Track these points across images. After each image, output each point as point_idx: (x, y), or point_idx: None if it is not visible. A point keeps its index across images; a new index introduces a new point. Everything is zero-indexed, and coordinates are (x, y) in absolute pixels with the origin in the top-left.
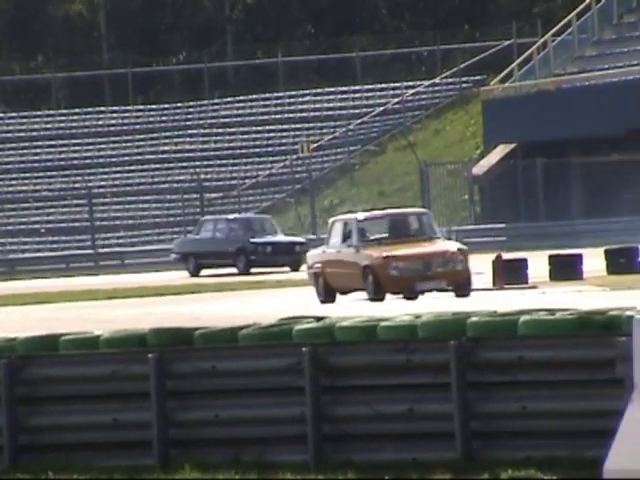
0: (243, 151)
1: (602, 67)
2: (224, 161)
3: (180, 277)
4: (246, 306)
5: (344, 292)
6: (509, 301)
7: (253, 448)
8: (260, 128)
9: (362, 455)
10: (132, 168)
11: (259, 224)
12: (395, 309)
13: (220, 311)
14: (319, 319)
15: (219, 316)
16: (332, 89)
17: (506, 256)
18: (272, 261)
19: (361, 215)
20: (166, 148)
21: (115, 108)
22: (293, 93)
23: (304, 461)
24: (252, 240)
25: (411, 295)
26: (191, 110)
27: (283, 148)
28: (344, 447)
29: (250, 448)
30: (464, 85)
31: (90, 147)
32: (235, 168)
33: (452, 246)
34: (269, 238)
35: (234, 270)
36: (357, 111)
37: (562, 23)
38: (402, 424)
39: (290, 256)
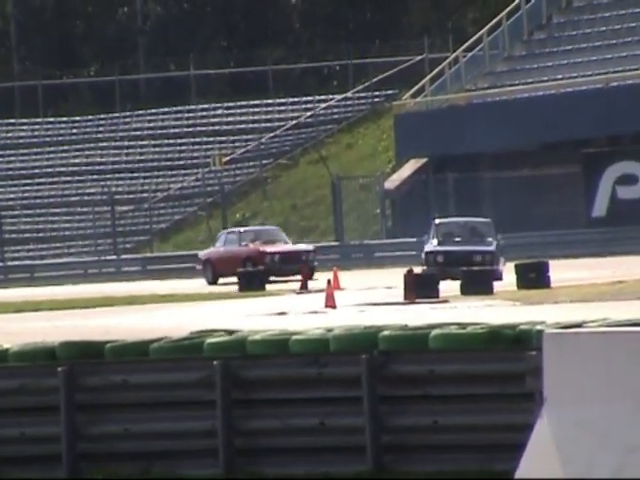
0: (155, 164)
1: (513, 83)
2: (135, 174)
3: (90, 290)
4: (157, 319)
5: None
6: (420, 315)
7: (164, 462)
8: (172, 141)
9: (273, 468)
10: (42, 180)
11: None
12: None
13: (131, 324)
14: (231, 332)
15: (130, 329)
16: (244, 102)
17: (417, 270)
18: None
19: None
20: (77, 161)
21: (25, 120)
22: (205, 106)
23: (215, 474)
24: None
25: None
26: (102, 122)
27: (195, 161)
28: (255, 460)
29: (161, 462)
30: (376, 99)
31: None
32: (147, 181)
33: None
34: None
35: None
36: (269, 124)
37: (473, 39)
38: (313, 437)
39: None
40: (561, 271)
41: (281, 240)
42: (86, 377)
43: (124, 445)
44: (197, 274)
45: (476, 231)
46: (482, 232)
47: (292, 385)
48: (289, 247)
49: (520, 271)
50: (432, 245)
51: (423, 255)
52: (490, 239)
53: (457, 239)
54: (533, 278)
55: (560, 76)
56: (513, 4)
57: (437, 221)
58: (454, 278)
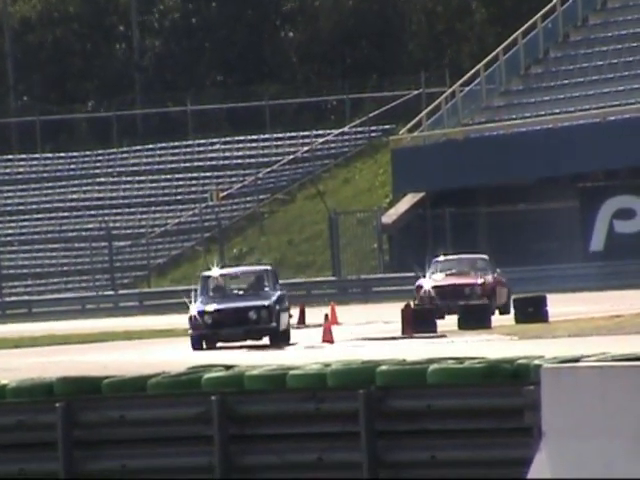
0: (152, 199)
1: (510, 117)
2: (133, 209)
3: (88, 326)
4: (154, 354)
5: None
6: (418, 350)
7: None
8: (169, 176)
9: None
10: (40, 216)
11: None
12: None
13: (128, 360)
14: (228, 367)
15: (127, 364)
16: (242, 137)
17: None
18: None
19: None
20: (74, 196)
21: (23, 156)
22: (202, 141)
23: None
24: None
25: None
26: (100, 158)
27: (192, 196)
28: None
29: None
30: (373, 134)
31: None
32: (144, 216)
33: None
34: None
35: None
36: (266, 159)
37: (470, 73)
38: (311, 473)
39: None
40: (559, 305)
41: (475, 271)
42: (84, 413)
43: None
44: None
45: (258, 282)
46: (261, 282)
47: (290, 420)
48: (456, 280)
49: (518, 305)
50: (199, 304)
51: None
52: (268, 290)
53: (231, 293)
54: (531, 312)
55: (557, 110)
56: (510, 39)
57: (206, 274)
58: (229, 340)
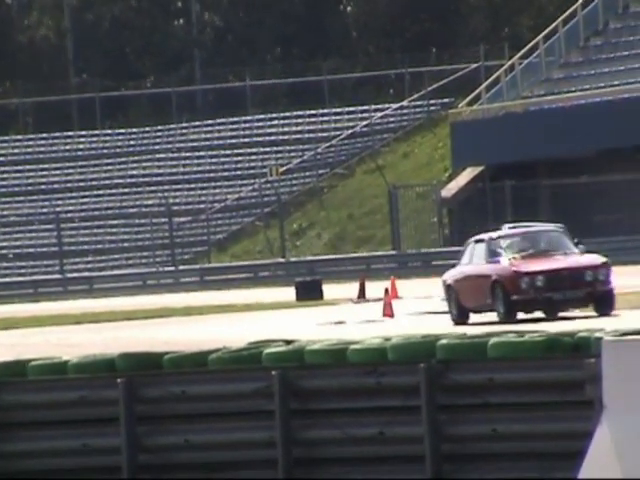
0: (212, 175)
1: (569, 89)
2: (193, 185)
3: (149, 302)
4: (215, 330)
5: None
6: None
7: (223, 472)
8: (229, 152)
9: (333, 478)
10: (100, 192)
11: None
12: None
13: (189, 335)
14: (288, 342)
15: (188, 340)
16: (301, 112)
17: None
18: None
19: None
20: (134, 172)
21: (83, 132)
22: (262, 117)
23: None
24: None
25: None
26: (159, 134)
27: (252, 172)
28: (314, 471)
29: (220, 472)
30: (432, 108)
31: (58, 172)
32: (204, 192)
33: None
34: None
35: None
36: (326, 134)
37: (529, 46)
38: (373, 447)
39: None
40: (623, 278)
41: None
42: (145, 388)
43: (184, 456)
44: (255, 284)
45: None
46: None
47: (350, 395)
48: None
49: None
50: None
51: None
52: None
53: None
54: None
55: (617, 82)
56: (569, 11)
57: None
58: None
